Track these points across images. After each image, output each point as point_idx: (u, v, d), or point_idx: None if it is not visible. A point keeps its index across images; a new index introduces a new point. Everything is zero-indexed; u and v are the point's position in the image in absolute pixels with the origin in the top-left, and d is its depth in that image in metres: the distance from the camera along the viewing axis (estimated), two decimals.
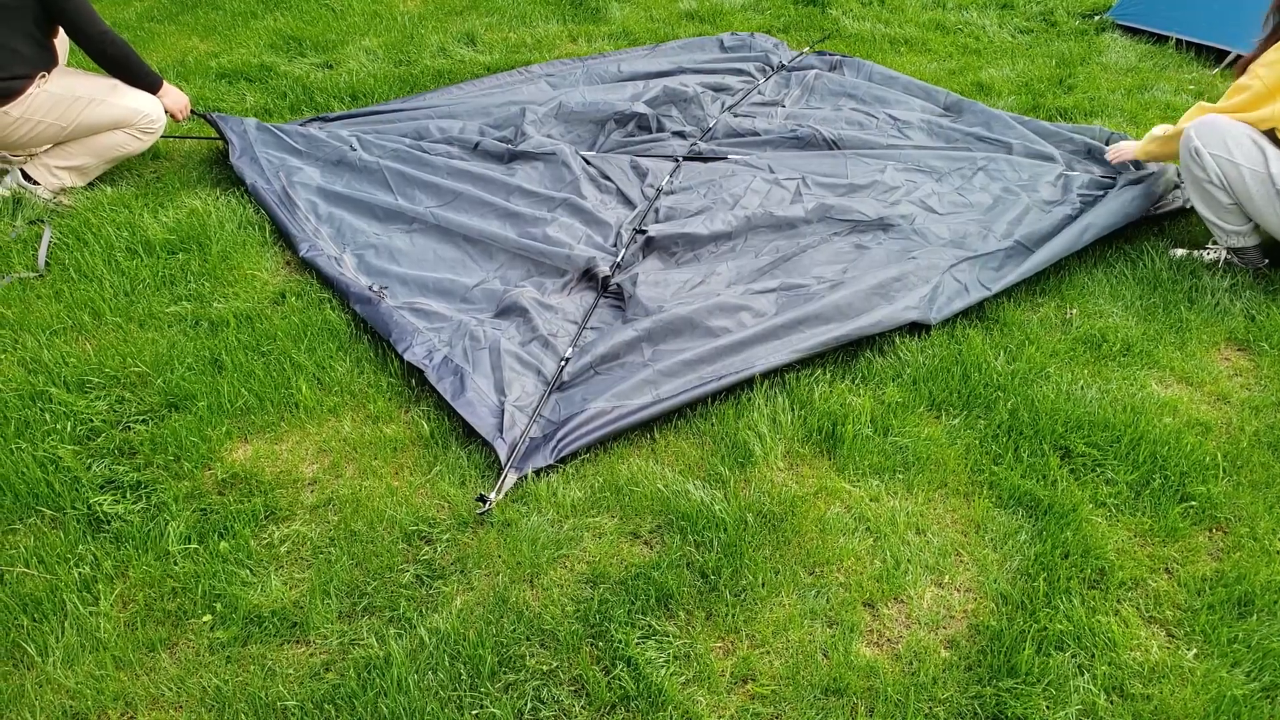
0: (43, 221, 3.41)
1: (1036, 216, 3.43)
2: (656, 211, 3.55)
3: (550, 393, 2.68)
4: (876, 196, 3.67)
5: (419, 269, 3.24)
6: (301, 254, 3.25)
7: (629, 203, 3.67)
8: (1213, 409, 2.71)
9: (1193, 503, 2.37)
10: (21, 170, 3.53)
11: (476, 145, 4.04)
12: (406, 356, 2.74)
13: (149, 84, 3.63)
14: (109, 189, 3.69)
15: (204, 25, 5.61)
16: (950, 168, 3.81)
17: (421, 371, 2.70)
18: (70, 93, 3.44)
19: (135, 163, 3.96)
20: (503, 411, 2.57)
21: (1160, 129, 3.34)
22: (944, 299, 3.03)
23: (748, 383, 2.72)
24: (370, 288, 3.05)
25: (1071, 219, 3.39)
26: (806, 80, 4.68)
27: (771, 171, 3.83)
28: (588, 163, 3.92)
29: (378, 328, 2.89)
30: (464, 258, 3.33)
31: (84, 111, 3.47)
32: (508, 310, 3.01)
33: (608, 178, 3.83)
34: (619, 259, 3.24)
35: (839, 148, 3.99)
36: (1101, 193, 3.53)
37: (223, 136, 3.94)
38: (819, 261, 3.28)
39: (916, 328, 2.95)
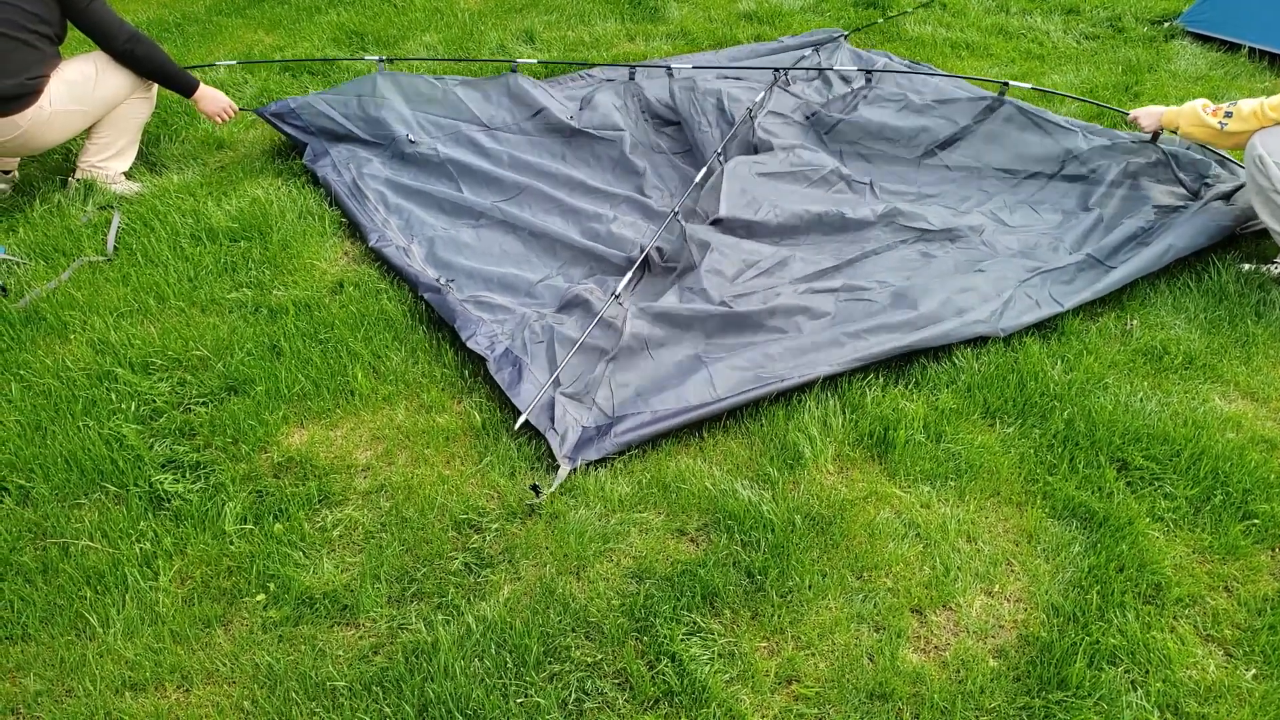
0: (112, 208, 3.50)
1: (1107, 230, 3.37)
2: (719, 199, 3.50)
3: (609, 361, 2.70)
4: (945, 205, 3.62)
5: (484, 263, 3.28)
6: (371, 244, 3.32)
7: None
8: (1278, 425, 2.63)
9: (1255, 521, 2.31)
10: (74, 179, 3.62)
11: (539, 112, 4.08)
12: (470, 344, 2.77)
13: (183, 86, 3.69)
14: (175, 177, 3.79)
15: (269, 19, 5.73)
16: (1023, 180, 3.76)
17: (476, 362, 2.74)
18: (79, 74, 3.48)
19: (200, 151, 4.06)
20: (553, 403, 2.59)
21: (1201, 103, 3.23)
22: (1014, 313, 2.97)
23: (800, 386, 2.71)
24: (438, 280, 3.09)
25: (1145, 231, 3.32)
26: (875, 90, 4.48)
27: (842, 172, 3.81)
28: (654, 149, 3.93)
29: (444, 315, 2.93)
30: (528, 254, 3.37)
31: (96, 90, 3.50)
32: (570, 304, 3.04)
33: (672, 168, 3.83)
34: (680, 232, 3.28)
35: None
36: (1182, 204, 3.43)
37: (290, 136, 4.00)
38: (884, 267, 3.25)
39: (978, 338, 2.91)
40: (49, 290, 3.05)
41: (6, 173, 3.65)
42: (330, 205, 3.59)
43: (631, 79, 4.41)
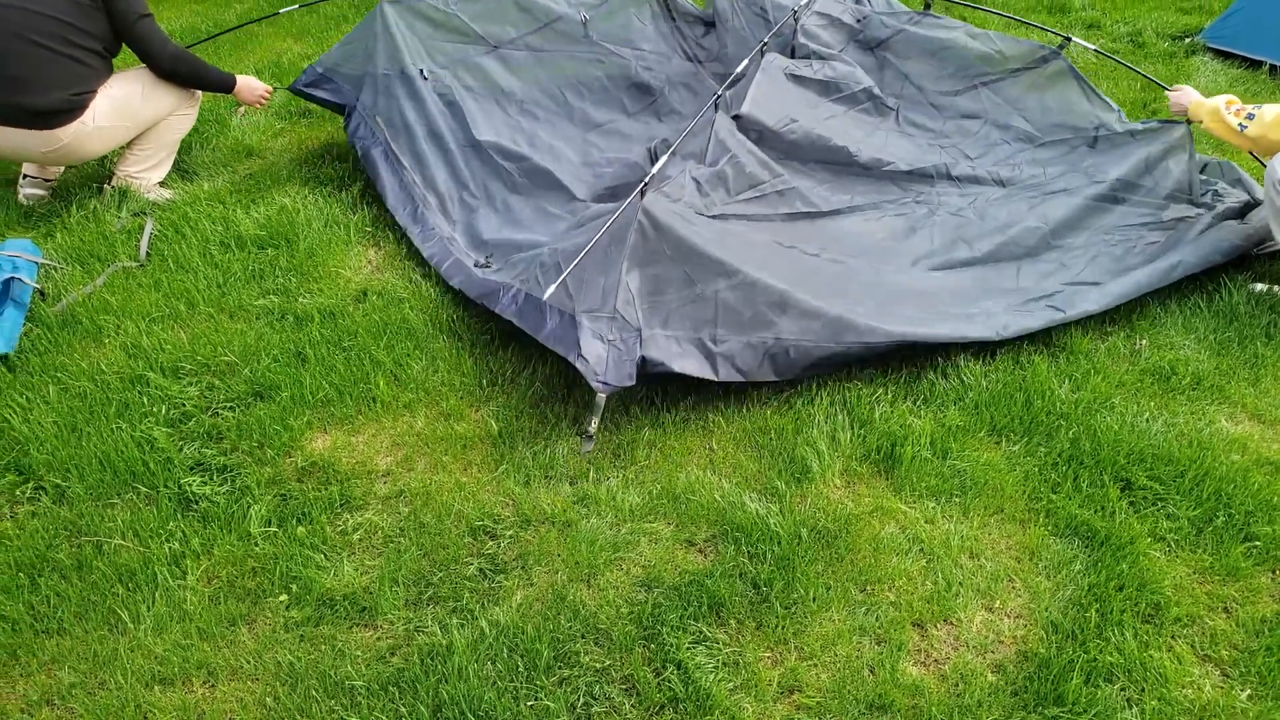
0: (145, 214, 3.61)
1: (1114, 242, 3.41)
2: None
3: (624, 261, 2.73)
4: (961, 152, 3.77)
5: (515, 231, 3.42)
6: (414, 236, 3.45)
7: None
8: None
9: (1256, 543, 2.35)
10: (110, 186, 3.73)
11: (547, 24, 4.18)
12: (498, 310, 2.82)
13: (223, 88, 3.80)
14: (206, 184, 3.89)
15: (298, 28, 5.84)
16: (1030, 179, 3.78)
17: (495, 370, 2.83)
18: (125, 91, 3.59)
19: (230, 159, 4.16)
20: (578, 328, 2.62)
21: (1226, 100, 3.23)
22: (996, 322, 3.01)
23: (808, 398, 2.77)
24: (476, 263, 3.20)
25: (1151, 244, 3.35)
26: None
27: (873, 92, 3.90)
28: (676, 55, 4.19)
29: (471, 293, 3.03)
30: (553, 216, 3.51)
31: (142, 105, 3.62)
32: (582, 224, 3.15)
33: (690, 89, 4.08)
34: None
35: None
36: (1194, 214, 3.44)
37: (326, 103, 4.07)
38: (859, 237, 3.39)
39: (981, 346, 2.96)
40: (85, 294, 3.15)
41: (47, 180, 3.76)
42: (354, 208, 3.68)
43: None
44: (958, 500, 2.48)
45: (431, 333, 3.05)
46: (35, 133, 3.42)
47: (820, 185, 3.56)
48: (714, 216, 3.15)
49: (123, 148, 3.73)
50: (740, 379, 2.70)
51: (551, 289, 2.72)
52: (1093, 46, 4.07)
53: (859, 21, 4.21)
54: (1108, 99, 3.82)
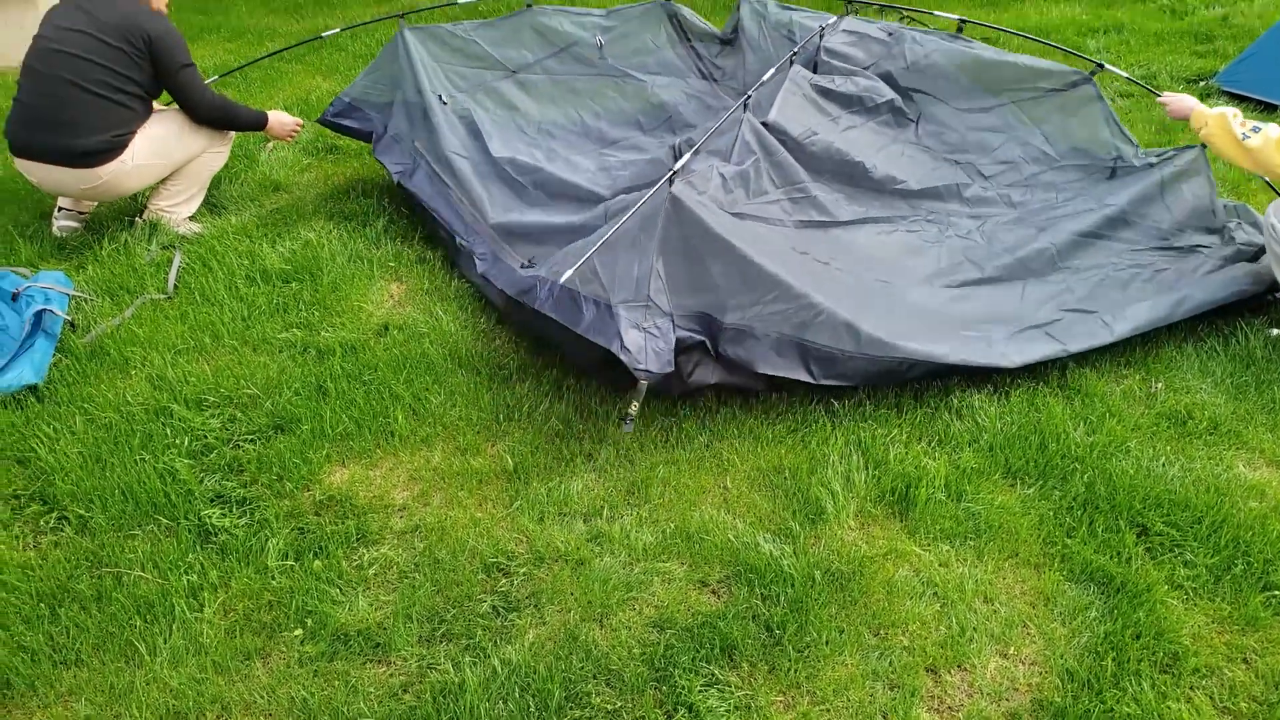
0: (174, 247, 3.68)
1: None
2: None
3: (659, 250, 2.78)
4: (978, 170, 3.83)
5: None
6: (468, 245, 3.49)
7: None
8: None
9: (1275, 592, 2.33)
10: (141, 219, 3.83)
11: (563, 49, 4.29)
12: (536, 306, 2.82)
13: (256, 127, 3.91)
14: (233, 219, 3.97)
15: (327, 65, 5.97)
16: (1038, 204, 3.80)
17: (512, 405, 2.86)
18: (162, 131, 3.69)
19: (258, 194, 4.24)
20: (617, 318, 2.64)
21: (1232, 112, 3.18)
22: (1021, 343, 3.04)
23: (823, 437, 2.78)
24: (523, 264, 3.27)
25: (1161, 270, 3.36)
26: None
27: (895, 104, 3.98)
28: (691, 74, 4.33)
29: (511, 291, 3.06)
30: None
31: (177, 145, 3.72)
32: (608, 213, 3.25)
33: (706, 107, 4.16)
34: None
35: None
36: (1209, 242, 3.43)
37: (354, 132, 4.14)
38: (865, 250, 3.45)
39: (994, 386, 2.96)
40: (113, 326, 3.21)
41: (80, 213, 3.85)
42: (377, 243, 3.74)
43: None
44: (972, 543, 2.47)
45: (450, 367, 3.08)
46: (76, 170, 3.52)
47: (835, 196, 3.63)
48: (734, 214, 3.20)
49: (156, 183, 3.81)
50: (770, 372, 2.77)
51: (570, 271, 2.75)
52: (1125, 74, 4.10)
53: (889, 35, 4.26)
54: (1128, 133, 3.82)
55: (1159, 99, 3.55)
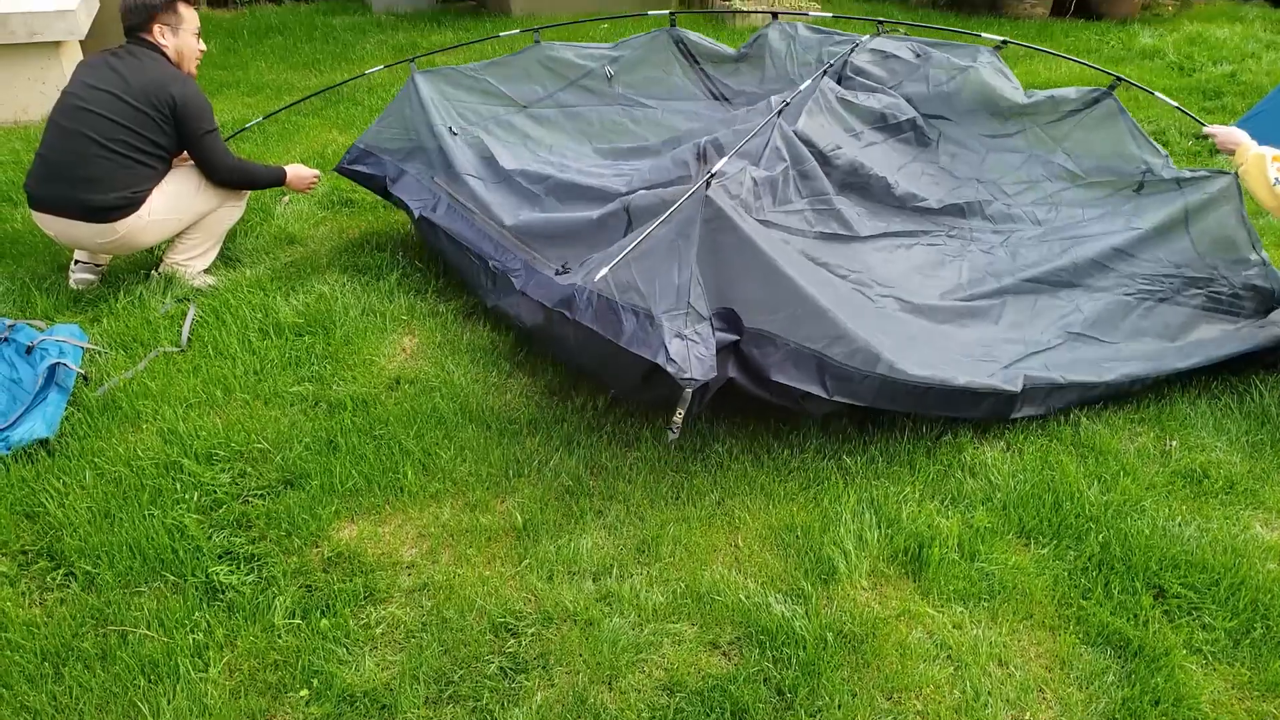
0: (188, 300, 3.72)
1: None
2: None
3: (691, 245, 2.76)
4: (1000, 188, 3.83)
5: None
6: (501, 265, 3.47)
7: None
8: None
9: None
10: (158, 271, 3.88)
11: (573, 81, 4.33)
12: (576, 317, 2.80)
13: (276, 183, 3.98)
14: (248, 271, 4.01)
15: (344, 119, 6.07)
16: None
17: (522, 460, 2.86)
18: (179, 188, 3.74)
19: (272, 247, 4.29)
20: (660, 328, 2.61)
21: (1272, 154, 3.12)
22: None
23: (835, 494, 2.76)
24: (557, 271, 3.27)
25: (1179, 304, 3.38)
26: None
27: (916, 122, 3.99)
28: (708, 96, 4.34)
29: (550, 302, 3.04)
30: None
31: (194, 200, 3.77)
32: (628, 207, 3.29)
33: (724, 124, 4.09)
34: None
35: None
36: (1228, 276, 3.42)
37: (370, 178, 4.15)
38: (886, 264, 3.46)
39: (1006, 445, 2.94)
40: (126, 379, 3.23)
41: (97, 265, 3.90)
42: (391, 296, 3.77)
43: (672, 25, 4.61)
44: (986, 605, 2.44)
45: (460, 421, 3.08)
46: (93, 225, 3.58)
47: (856, 210, 3.63)
48: (759, 221, 3.20)
49: (173, 237, 3.87)
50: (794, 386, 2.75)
51: (606, 270, 2.73)
52: (1147, 89, 4.07)
53: (917, 56, 4.28)
54: (1156, 144, 3.76)
55: (1205, 130, 3.51)
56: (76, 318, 3.65)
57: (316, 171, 4.14)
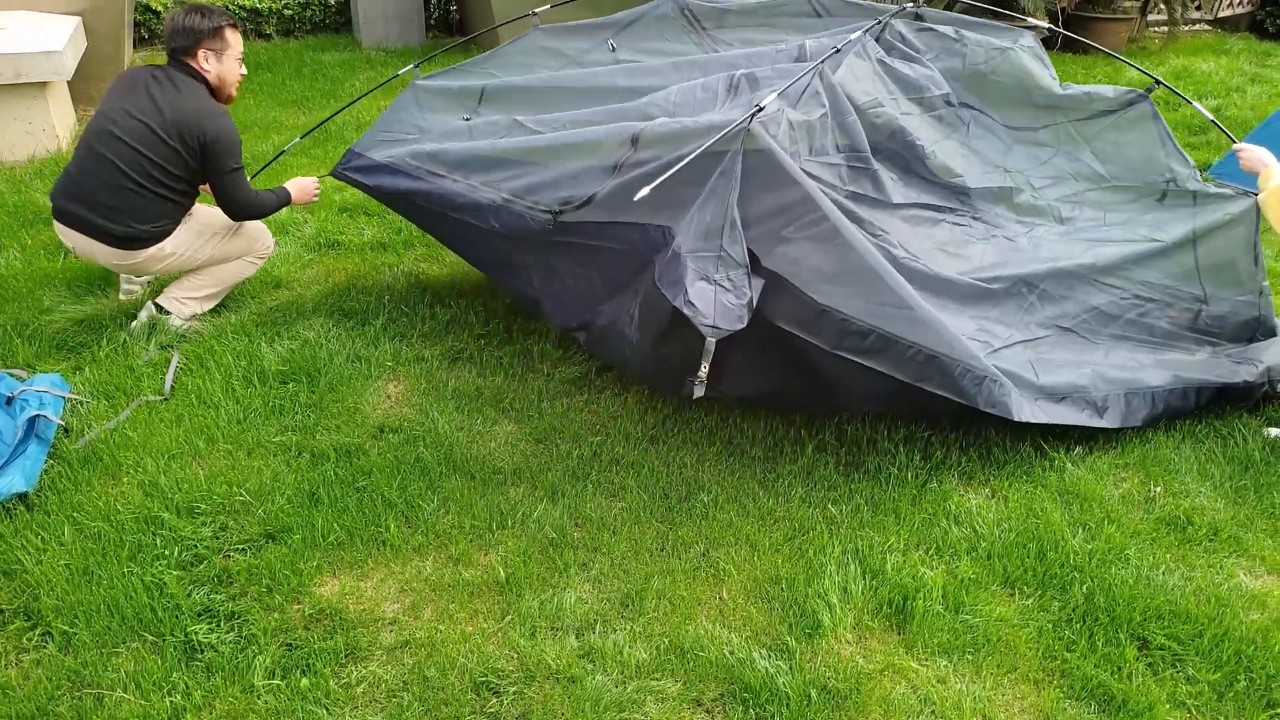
0: (172, 347, 3.71)
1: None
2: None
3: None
4: (1028, 176, 3.75)
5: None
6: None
7: None
8: None
9: (1279, 710, 2.28)
10: (154, 303, 3.88)
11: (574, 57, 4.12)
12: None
13: (283, 205, 3.97)
14: (233, 317, 4.00)
15: (332, 159, 6.06)
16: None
17: (505, 512, 2.84)
18: (206, 229, 3.78)
19: (258, 291, 4.29)
20: (683, 268, 2.52)
21: None
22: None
23: (819, 545, 2.75)
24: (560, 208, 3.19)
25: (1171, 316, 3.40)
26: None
27: (950, 99, 3.84)
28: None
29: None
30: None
31: (221, 243, 3.82)
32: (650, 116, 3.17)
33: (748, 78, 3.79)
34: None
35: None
36: (1226, 298, 3.43)
37: (363, 183, 3.98)
38: (909, 233, 3.35)
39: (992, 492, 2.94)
40: (107, 430, 3.21)
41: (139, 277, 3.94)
42: (376, 342, 3.76)
43: None
44: (970, 658, 2.43)
45: (445, 471, 3.07)
46: (111, 249, 3.64)
47: (890, 175, 3.47)
48: None
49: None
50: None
51: (647, 190, 2.63)
52: (1185, 97, 4.01)
53: (956, 35, 4.10)
54: (1185, 153, 3.74)
55: (1235, 146, 3.49)
56: (59, 366, 3.63)
57: (316, 181, 4.14)
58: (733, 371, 2.85)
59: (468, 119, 3.94)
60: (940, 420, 3.28)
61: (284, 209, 4.05)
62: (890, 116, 3.56)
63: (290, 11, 8.74)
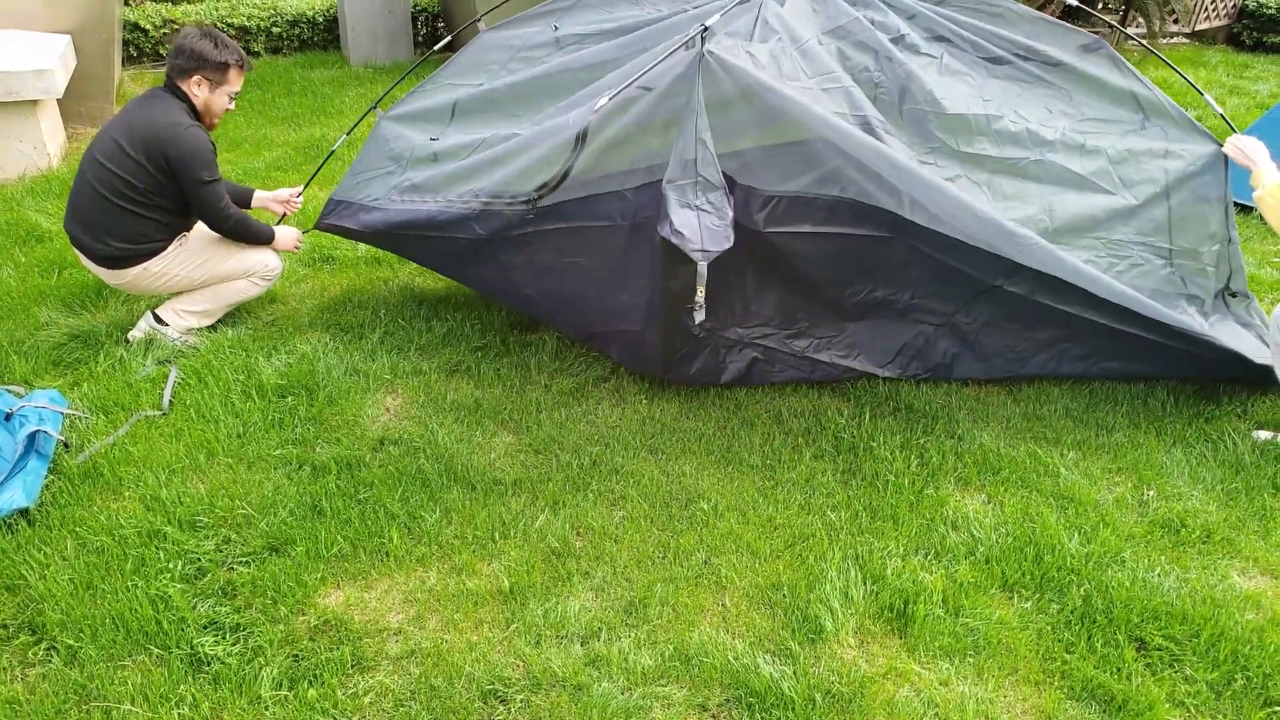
0: (170, 362, 3.71)
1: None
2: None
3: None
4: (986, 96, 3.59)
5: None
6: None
7: None
8: None
9: (1277, 708, 2.32)
10: (153, 313, 3.89)
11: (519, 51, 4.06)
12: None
13: (263, 242, 3.97)
14: (230, 331, 4.01)
15: (324, 175, 6.08)
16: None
17: (508, 522, 2.85)
18: (205, 249, 3.80)
19: (254, 306, 4.29)
20: (665, 199, 2.57)
21: None
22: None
23: (820, 552, 2.78)
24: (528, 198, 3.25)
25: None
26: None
27: (909, 40, 3.65)
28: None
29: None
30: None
31: (217, 265, 3.83)
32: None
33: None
34: None
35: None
36: (1205, 255, 3.40)
37: (344, 228, 4.00)
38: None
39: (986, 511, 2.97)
40: (107, 445, 3.21)
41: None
42: (373, 356, 3.78)
43: None
44: (971, 660, 2.46)
45: (446, 483, 3.09)
46: (102, 269, 3.70)
47: (865, 98, 3.31)
48: None
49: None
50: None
51: (605, 99, 2.70)
52: (1212, 102, 3.79)
53: None
54: (1164, 97, 3.62)
55: (1229, 140, 3.42)
56: (56, 382, 3.63)
57: (300, 235, 4.15)
58: (732, 295, 2.88)
59: (434, 139, 3.97)
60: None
61: (264, 243, 3.98)
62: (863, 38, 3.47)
63: (279, 29, 8.77)
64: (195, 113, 3.66)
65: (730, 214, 2.61)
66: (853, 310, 3.45)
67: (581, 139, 3.01)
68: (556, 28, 4.09)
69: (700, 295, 2.48)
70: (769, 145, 2.93)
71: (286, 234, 4.07)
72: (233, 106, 3.79)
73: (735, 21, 3.30)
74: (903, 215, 3.00)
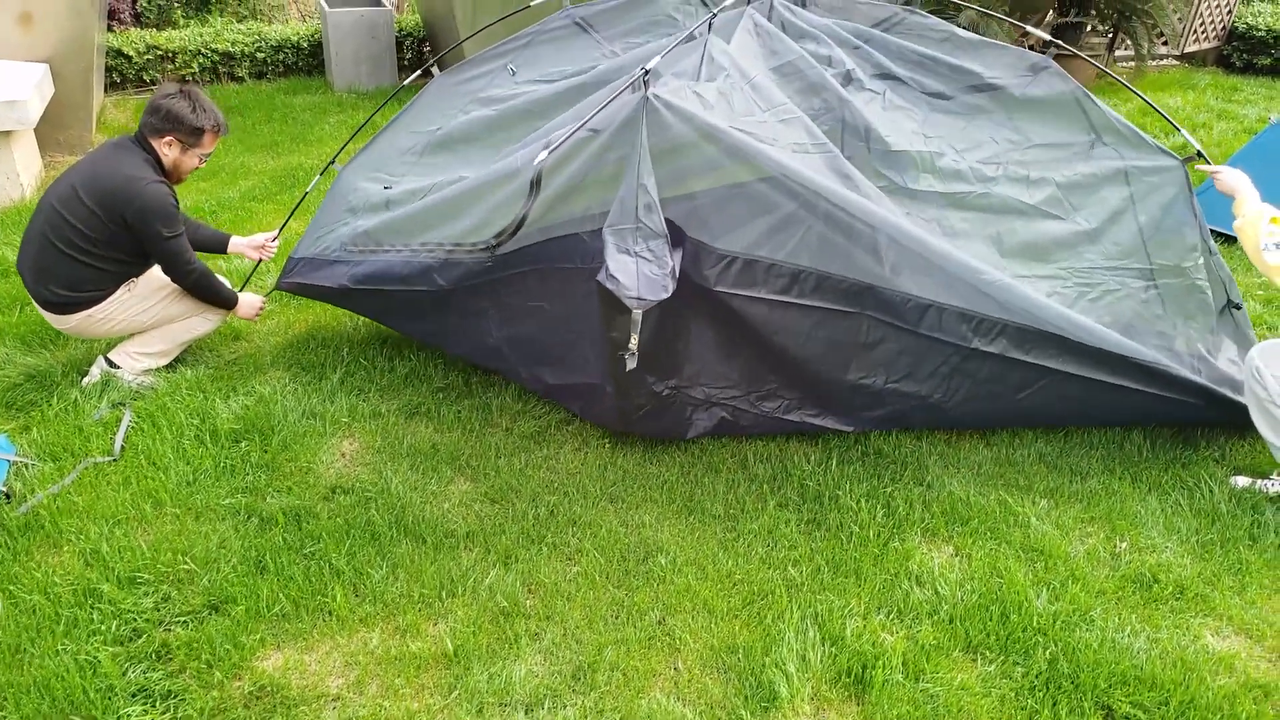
0: (124, 405, 3.63)
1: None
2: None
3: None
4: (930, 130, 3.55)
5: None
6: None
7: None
8: (1274, 668, 2.55)
9: None
10: (105, 357, 3.80)
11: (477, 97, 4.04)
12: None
13: (226, 306, 3.90)
14: (189, 372, 3.92)
15: (300, 206, 6.02)
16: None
17: (456, 580, 2.76)
18: (154, 294, 3.71)
19: (217, 343, 4.21)
20: (602, 246, 2.56)
21: (1272, 214, 3.01)
22: None
23: (778, 611, 2.69)
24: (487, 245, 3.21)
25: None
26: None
27: (854, 75, 3.60)
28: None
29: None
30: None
31: (167, 308, 3.75)
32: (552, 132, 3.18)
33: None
34: None
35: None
36: (1186, 269, 3.33)
37: (305, 285, 3.94)
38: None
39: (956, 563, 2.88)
40: (51, 495, 3.13)
41: None
42: (332, 398, 3.69)
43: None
44: None
45: (395, 536, 2.99)
46: (48, 313, 3.64)
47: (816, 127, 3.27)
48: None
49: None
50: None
51: (545, 154, 2.68)
52: (1190, 138, 3.63)
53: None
54: (1118, 117, 3.53)
55: (1211, 169, 3.34)
56: (6, 426, 3.55)
57: (263, 301, 4.06)
58: (695, 356, 2.88)
59: (387, 187, 3.92)
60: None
61: (226, 307, 3.92)
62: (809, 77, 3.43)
63: (263, 55, 8.73)
64: (162, 167, 3.59)
65: (670, 263, 2.55)
66: (825, 388, 3.34)
67: (535, 185, 2.94)
68: (514, 71, 4.05)
69: (634, 344, 2.40)
70: (719, 187, 2.85)
71: (249, 302, 3.99)
72: (203, 165, 3.73)
73: (681, 61, 3.25)
74: (873, 262, 2.93)
